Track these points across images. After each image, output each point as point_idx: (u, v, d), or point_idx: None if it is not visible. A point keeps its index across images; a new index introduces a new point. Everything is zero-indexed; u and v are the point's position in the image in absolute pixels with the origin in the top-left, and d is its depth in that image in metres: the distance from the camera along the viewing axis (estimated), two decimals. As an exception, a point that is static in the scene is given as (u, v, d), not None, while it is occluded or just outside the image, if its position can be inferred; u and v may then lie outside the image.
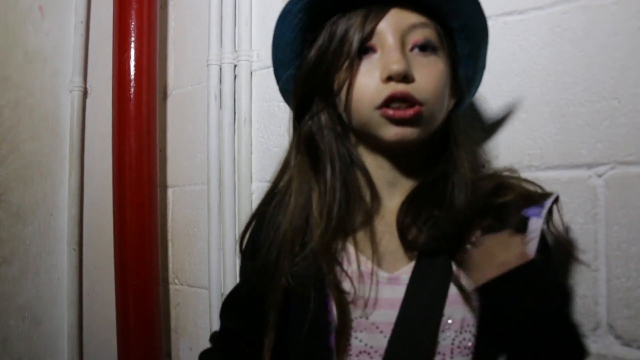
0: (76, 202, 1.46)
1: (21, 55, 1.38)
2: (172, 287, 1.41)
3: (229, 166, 1.24)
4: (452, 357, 0.67)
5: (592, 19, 0.82)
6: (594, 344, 0.80)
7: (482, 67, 0.78)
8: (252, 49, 1.24)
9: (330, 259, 0.69)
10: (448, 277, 0.68)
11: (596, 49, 0.81)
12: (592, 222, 0.81)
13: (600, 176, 0.80)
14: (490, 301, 0.65)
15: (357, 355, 0.68)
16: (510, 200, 0.70)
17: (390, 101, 0.66)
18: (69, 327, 1.44)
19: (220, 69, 1.27)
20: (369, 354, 0.68)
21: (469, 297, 0.67)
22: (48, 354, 1.40)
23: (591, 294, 0.80)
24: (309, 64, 0.72)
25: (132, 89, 1.30)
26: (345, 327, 0.68)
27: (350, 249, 0.71)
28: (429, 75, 0.67)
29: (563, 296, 0.79)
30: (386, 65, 0.66)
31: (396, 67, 0.64)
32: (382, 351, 0.67)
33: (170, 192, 1.43)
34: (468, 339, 0.67)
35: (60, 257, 1.44)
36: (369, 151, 0.74)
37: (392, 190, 0.74)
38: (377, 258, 0.70)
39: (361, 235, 0.72)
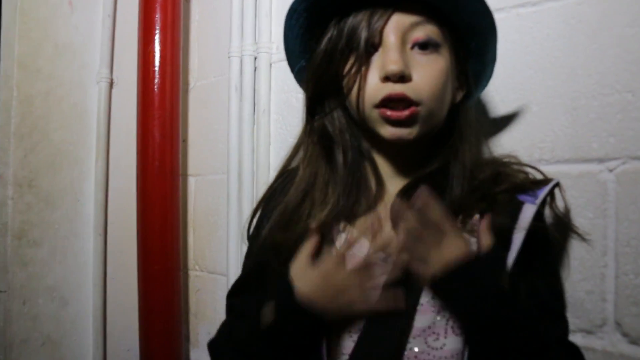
0: (102, 189, 1.49)
1: (51, 48, 1.41)
2: (192, 273, 1.44)
3: (248, 156, 1.26)
4: (437, 339, 0.67)
5: (607, 9, 0.80)
6: (600, 341, 0.79)
7: (492, 60, 0.79)
8: (272, 41, 1.26)
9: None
10: None
11: (611, 41, 0.80)
12: (601, 217, 0.80)
13: (611, 171, 0.79)
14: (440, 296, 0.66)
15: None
16: (507, 188, 0.71)
17: (387, 101, 0.68)
18: (94, 309, 1.47)
19: (241, 60, 1.29)
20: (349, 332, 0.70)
21: None
22: (74, 332, 1.44)
23: (599, 290, 0.80)
24: (317, 59, 0.74)
25: (156, 81, 1.32)
26: None
27: (354, 232, 0.73)
28: (427, 74, 0.69)
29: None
30: (384, 65, 0.67)
31: (393, 67, 0.66)
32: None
33: (192, 180, 1.46)
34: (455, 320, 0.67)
35: (87, 241, 1.47)
36: (374, 143, 0.77)
37: (396, 179, 0.77)
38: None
39: (365, 221, 0.74)
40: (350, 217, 0.74)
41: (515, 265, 0.65)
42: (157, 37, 1.33)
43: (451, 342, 0.66)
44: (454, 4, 0.70)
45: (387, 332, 0.67)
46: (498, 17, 0.89)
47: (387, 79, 0.67)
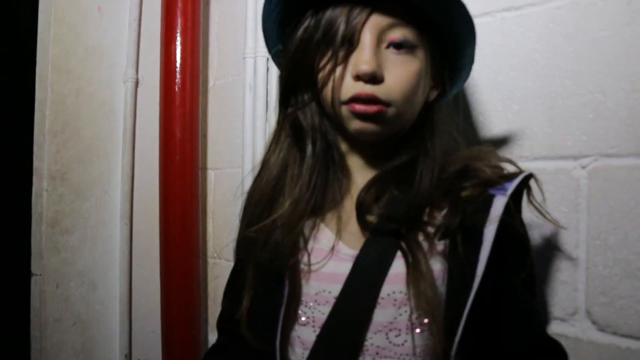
0: (128, 181, 1.58)
1: (82, 50, 1.52)
2: (211, 260, 1.51)
3: (260, 151, 1.31)
4: (398, 335, 0.67)
5: (583, 14, 0.84)
6: (571, 328, 0.83)
7: (470, 62, 0.75)
8: (282, 43, 1.32)
9: (294, 233, 0.71)
10: (392, 256, 0.68)
11: (585, 44, 0.83)
12: (575, 211, 0.84)
13: (584, 167, 0.83)
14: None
15: (305, 325, 0.71)
16: (475, 183, 0.70)
17: (356, 99, 0.67)
18: (121, 292, 1.57)
19: (255, 61, 1.35)
20: (312, 326, 0.71)
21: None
22: (103, 314, 1.55)
23: (571, 280, 0.84)
24: (292, 47, 0.72)
25: (177, 80, 1.39)
26: (294, 300, 0.71)
27: (321, 225, 0.74)
28: (399, 76, 0.67)
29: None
30: (357, 64, 0.66)
31: (365, 67, 0.65)
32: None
33: (211, 174, 1.52)
34: (416, 317, 0.67)
35: (114, 230, 1.58)
36: (344, 137, 0.77)
37: (365, 173, 0.76)
38: (342, 235, 0.72)
39: (331, 214, 0.74)
40: (317, 209, 0.74)
41: (489, 262, 0.63)
42: (178, 40, 1.39)
43: (413, 338, 0.67)
44: (436, 8, 0.68)
45: (346, 325, 0.67)
46: (484, 21, 0.94)
47: (359, 77, 0.66)
